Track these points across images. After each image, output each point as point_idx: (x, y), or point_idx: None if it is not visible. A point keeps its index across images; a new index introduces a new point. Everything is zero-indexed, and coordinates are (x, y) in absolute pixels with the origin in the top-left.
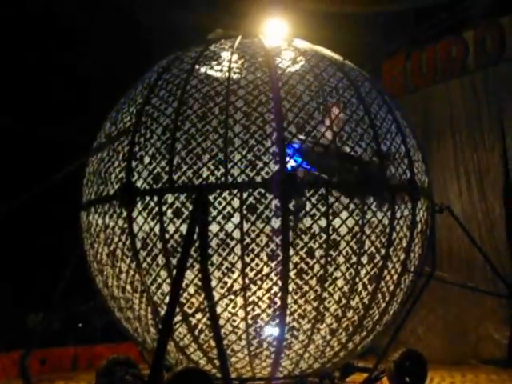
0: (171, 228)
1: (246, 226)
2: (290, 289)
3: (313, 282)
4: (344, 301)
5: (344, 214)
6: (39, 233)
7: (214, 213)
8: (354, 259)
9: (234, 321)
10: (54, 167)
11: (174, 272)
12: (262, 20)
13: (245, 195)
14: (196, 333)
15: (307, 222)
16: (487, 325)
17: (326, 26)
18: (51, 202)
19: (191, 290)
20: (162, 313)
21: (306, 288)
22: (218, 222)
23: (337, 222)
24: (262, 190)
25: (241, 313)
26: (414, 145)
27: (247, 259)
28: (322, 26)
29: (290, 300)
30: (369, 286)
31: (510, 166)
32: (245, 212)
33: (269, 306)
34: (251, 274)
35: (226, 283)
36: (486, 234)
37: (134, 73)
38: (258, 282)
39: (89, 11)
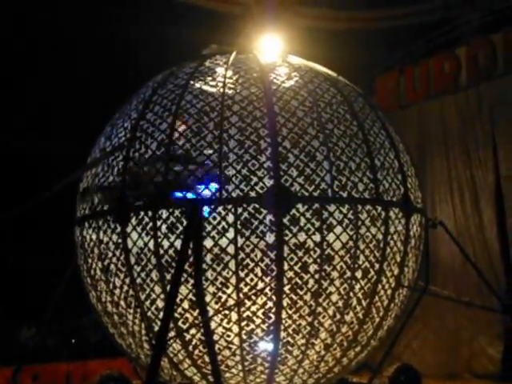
0: (165, 243)
1: (240, 240)
2: (285, 304)
3: (307, 297)
4: (338, 316)
5: (338, 229)
6: (32, 247)
7: (209, 228)
8: (348, 274)
9: (228, 336)
10: (48, 181)
11: (168, 287)
12: (257, 36)
13: (239, 210)
14: (190, 348)
15: (301, 236)
16: (481, 339)
17: (320, 42)
18: (45, 217)
19: (185, 305)
20: (156, 328)
21: (300, 303)
22: (213, 237)
23: (331, 236)
24: (257, 205)
25: (235, 328)
26: (407, 160)
27: (241, 274)
28: (316, 43)
29: (284, 315)
30: (363, 301)
31: (502, 180)
32: (239, 227)
33: (263, 321)
34: (245, 289)
35: (220, 298)
36: (479, 249)
37: (129, 88)
38: (253, 297)
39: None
